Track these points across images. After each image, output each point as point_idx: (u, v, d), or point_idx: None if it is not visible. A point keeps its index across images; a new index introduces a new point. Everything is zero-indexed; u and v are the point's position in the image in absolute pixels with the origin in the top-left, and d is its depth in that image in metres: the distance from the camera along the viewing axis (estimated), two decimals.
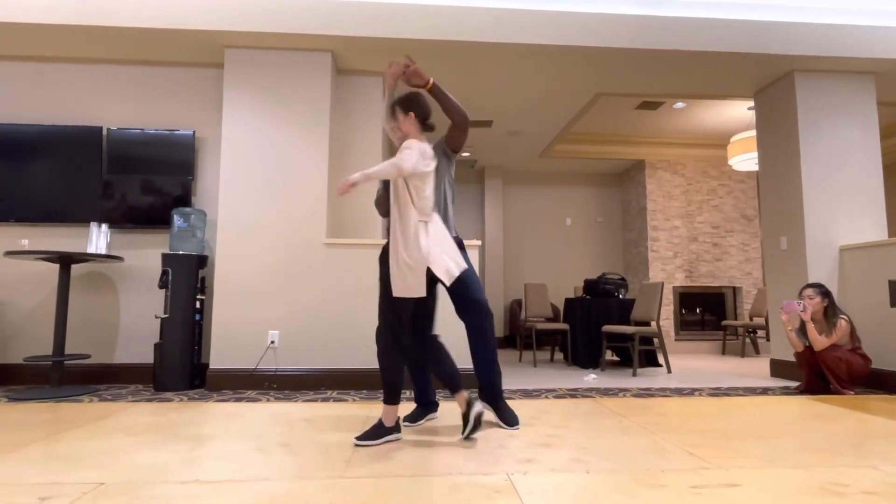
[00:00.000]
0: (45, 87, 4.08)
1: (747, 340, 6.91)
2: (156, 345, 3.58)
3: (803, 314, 3.53)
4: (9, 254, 3.34)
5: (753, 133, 5.34)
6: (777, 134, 4.45)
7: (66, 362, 3.84)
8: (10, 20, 3.52)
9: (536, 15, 3.80)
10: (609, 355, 5.90)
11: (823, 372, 3.51)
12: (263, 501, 1.54)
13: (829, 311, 3.53)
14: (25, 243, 3.93)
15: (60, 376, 3.43)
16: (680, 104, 5.68)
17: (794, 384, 3.93)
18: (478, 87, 4.68)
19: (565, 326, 5.37)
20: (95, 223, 3.69)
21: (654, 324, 6.43)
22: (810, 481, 1.73)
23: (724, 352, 6.68)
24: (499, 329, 7.46)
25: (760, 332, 6.97)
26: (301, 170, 3.83)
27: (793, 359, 4.15)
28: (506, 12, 3.78)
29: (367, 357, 3.67)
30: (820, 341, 3.47)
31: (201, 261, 3.74)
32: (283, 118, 3.87)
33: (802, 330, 3.63)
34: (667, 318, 6.91)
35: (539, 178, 7.94)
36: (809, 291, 3.58)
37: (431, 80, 2.39)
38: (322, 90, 3.91)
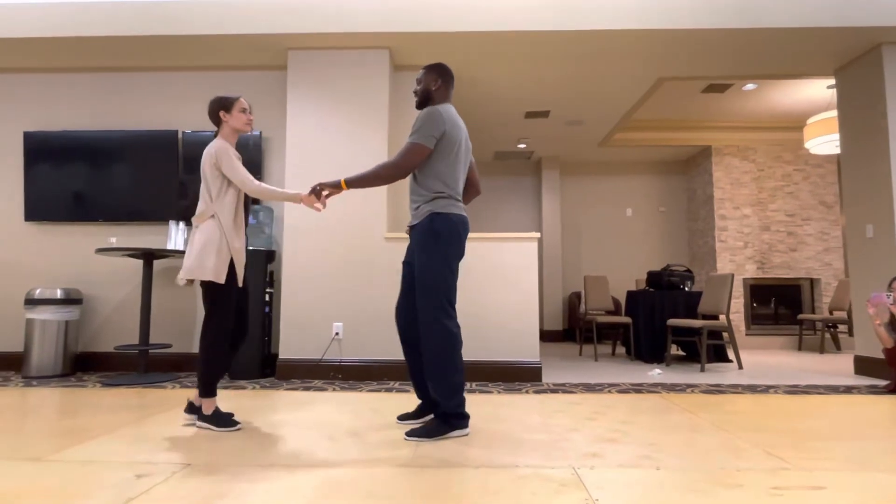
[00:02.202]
0: (126, 95, 4.38)
1: (827, 335, 6.47)
2: None
3: (894, 307, 3.27)
4: (99, 251, 3.62)
5: (834, 113, 4.97)
6: (862, 113, 4.12)
7: (150, 351, 4.13)
8: (94, 34, 3.80)
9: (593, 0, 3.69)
10: (674, 350, 5.70)
11: None
12: (334, 486, 1.61)
13: None
14: (113, 241, 4.25)
15: (146, 364, 3.69)
16: (750, 86, 5.37)
17: (883, 383, 3.66)
18: (535, 76, 4.61)
19: (627, 320, 5.23)
20: (174, 221, 3.93)
21: (723, 317, 6.13)
22: None
23: (800, 347, 6.29)
24: (557, 322, 7.36)
25: (842, 327, 6.51)
26: (362, 165, 3.92)
27: (881, 355, 3.86)
28: None
29: None
30: None
31: (269, 256, 3.91)
32: (344, 116, 3.97)
33: (892, 324, 3.37)
34: (737, 312, 6.59)
35: (598, 167, 7.74)
36: None
37: (342, 182, 2.30)
38: (380, 87, 3.97)
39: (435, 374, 2.20)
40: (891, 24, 3.64)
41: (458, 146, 2.32)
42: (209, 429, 2.29)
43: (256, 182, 2.29)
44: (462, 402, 2.23)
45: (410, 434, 2.17)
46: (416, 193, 2.34)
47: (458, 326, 2.26)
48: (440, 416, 2.22)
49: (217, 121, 2.39)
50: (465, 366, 3.67)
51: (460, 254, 2.30)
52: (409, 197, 2.45)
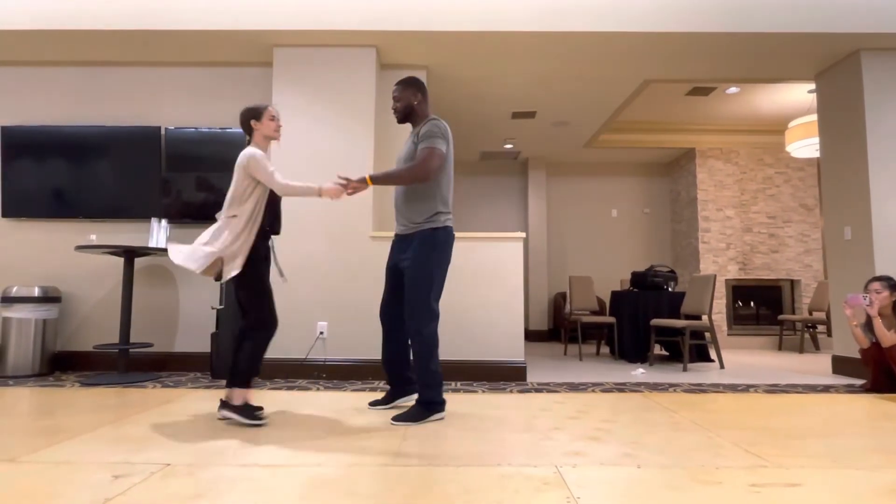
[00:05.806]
0: (107, 90, 4.31)
1: (806, 336, 6.59)
2: (212, 335, 3.74)
3: (869, 309, 3.34)
4: (79, 248, 3.56)
5: (814, 117, 5.06)
6: (841, 118, 4.20)
7: (130, 350, 4.06)
8: (74, 27, 3.73)
9: (581, 1, 3.71)
10: (657, 350, 5.76)
11: (892, 369, 3.32)
12: (317, 486, 1.60)
13: None
14: (93, 238, 4.18)
15: (126, 363, 3.64)
16: (733, 89, 5.44)
17: (859, 382, 3.73)
18: (522, 77, 4.63)
19: (612, 320, 5.27)
20: (156, 219, 3.88)
21: (705, 318, 6.21)
22: (879, 483, 1.64)
23: (780, 347, 6.39)
24: (542, 322, 7.39)
25: (821, 328, 6.63)
26: (347, 163, 3.90)
27: (857, 355, 3.94)
28: (549, 0, 3.71)
29: None
30: (888, 337, 3.28)
31: None
32: (330, 114, 3.94)
33: (869, 325, 3.43)
34: (719, 312, 6.67)
35: (584, 168, 7.79)
36: (877, 285, 3.38)
37: (368, 179, 2.46)
38: (367, 85, 3.96)
39: (423, 367, 2.43)
40: (869, 30, 3.71)
41: (451, 158, 2.53)
42: (238, 420, 2.35)
43: (283, 181, 2.41)
44: (441, 390, 2.48)
45: (396, 419, 2.38)
46: (413, 208, 2.50)
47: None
48: (423, 402, 2.44)
49: (249, 129, 2.53)
50: (451, 365, 3.68)
51: (449, 261, 2.53)
52: (400, 204, 2.55)
